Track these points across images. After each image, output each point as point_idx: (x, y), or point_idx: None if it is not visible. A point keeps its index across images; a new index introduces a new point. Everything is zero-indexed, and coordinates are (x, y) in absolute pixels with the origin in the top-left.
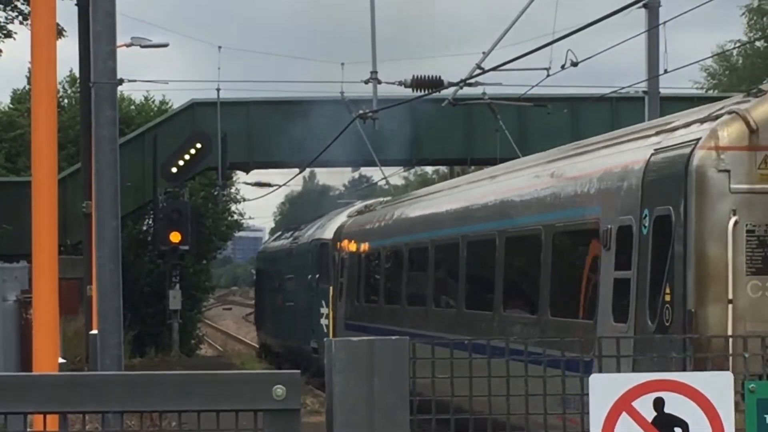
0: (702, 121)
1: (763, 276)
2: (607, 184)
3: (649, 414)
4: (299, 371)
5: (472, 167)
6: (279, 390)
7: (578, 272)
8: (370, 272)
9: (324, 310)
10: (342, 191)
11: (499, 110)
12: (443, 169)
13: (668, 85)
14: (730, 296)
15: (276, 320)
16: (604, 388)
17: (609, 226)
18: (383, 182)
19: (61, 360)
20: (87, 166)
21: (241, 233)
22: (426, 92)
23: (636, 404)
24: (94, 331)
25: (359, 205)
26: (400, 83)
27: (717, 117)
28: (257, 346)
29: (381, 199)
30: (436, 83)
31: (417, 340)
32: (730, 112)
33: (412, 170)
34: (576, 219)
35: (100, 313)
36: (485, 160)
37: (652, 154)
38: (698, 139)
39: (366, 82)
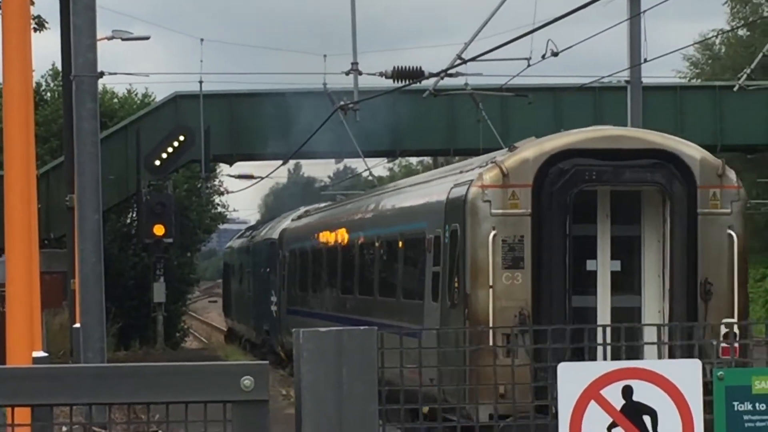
0: (479, 167)
1: (512, 270)
2: (429, 207)
3: (618, 402)
4: (267, 362)
5: (456, 158)
6: (247, 381)
7: (415, 267)
8: (302, 267)
9: (273, 299)
10: (327, 183)
11: (481, 100)
12: (427, 159)
13: (651, 74)
14: (491, 283)
15: (238, 307)
16: (573, 377)
17: (430, 236)
18: (367, 173)
19: (42, 354)
20: (70, 160)
21: (226, 225)
22: (407, 83)
23: (605, 392)
24: (78, 325)
25: (302, 210)
26: (381, 74)
27: (485, 165)
28: (225, 329)
29: (317, 205)
30: (416, 74)
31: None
32: (492, 162)
33: (396, 161)
34: (415, 230)
35: (82, 306)
36: (468, 150)
37: (451, 188)
38: (472, 180)
39: (347, 74)
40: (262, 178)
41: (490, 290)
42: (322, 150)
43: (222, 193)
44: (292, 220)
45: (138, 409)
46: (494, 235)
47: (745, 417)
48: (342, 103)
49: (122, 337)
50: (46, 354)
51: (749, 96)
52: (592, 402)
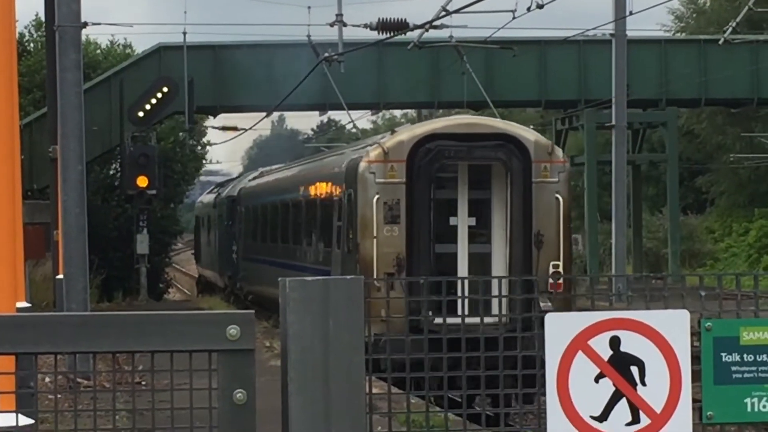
0: (369, 146)
1: (391, 225)
2: (335, 175)
3: (606, 353)
4: (253, 311)
5: (440, 110)
6: (233, 330)
7: (329, 223)
8: (254, 221)
9: (234, 248)
10: (310, 135)
11: (465, 53)
12: (411, 112)
13: (636, 27)
14: (375, 235)
15: (206, 256)
16: (560, 327)
17: (336, 198)
18: (351, 126)
19: (26, 304)
20: (53, 111)
21: (210, 177)
22: (392, 35)
23: (592, 343)
24: (61, 276)
25: (259, 171)
26: (366, 26)
27: (372, 145)
28: (196, 275)
29: (271, 167)
30: (401, 26)
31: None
32: (377, 143)
33: (380, 114)
34: (329, 193)
35: (65, 257)
36: (452, 102)
37: (349, 161)
38: (362, 156)
39: (331, 25)
40: (246, 130)
41: (374, 240)
42: (306, 102)
43: (205, 145)
44: (249, 180)
45: (122, 360)
46: (378, 199)
47: (733, 368)
48: (326, 54)
49: (105, 288)
50: (29, 305)
51: (734, 50)
52: (580, 352)
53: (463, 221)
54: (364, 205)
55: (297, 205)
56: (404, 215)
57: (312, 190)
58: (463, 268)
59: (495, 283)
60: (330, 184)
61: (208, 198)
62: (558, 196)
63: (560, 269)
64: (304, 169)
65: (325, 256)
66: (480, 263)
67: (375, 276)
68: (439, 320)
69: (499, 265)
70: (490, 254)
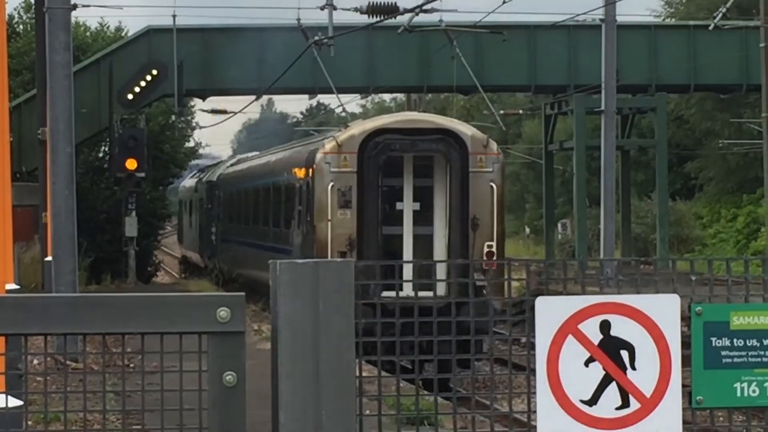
0: (325, 139)
1: (343, 209)
2: (296, 164)
3: (596, 337)
4: (244, 294)
5: (429, 95)
6: (223, 312)
7: (290, 206)
8: (230, 205)
9: (213, 229)
10: (300, 119)
11: (455, 37)
12: (401, 96)
13: (625, 13)
14: (329, 218)
15: (188, 237)
16: (550, 311)
17: (297, 185)
18: (340, 109)
19: (14, 286)
20: (42, 93)
21: (198, 161)
22: (382, 18)
23: (582, 327)
24: (49, 258)
25: (237, 158)
26: (356, 9)
27: (328, 137)
28: (179, 256)
29: (247, 154)
30: (391, 9)
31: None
32: (331, 137)
33: (369, 97)
34: (291, 180)
35: (54, 239)
36: (442, 87)
37: (309, 153)
38: (317, 148)
39: (322, 9)
40: (235, 113)
41: (329, 222)
42: (295, 85)
43: (194, 128)
44: (227, 166)
45: (110, 342)
46: (332, 186)
47: (723, 353)
48: (316, 38)
49: (93, 271)
50: (18, 287)
51: (724, 36)
52: (570, 336)
53: (408, 206)
54: (321, 191)
55: (266, 191)
56: (355, 200)
57: (278, 178)
58: (407, 248)
59: (440, 266)
60: (292, 172)
61: (190, 183)
62: (492, 184)
63: (493, 249)
64: (273, 159)
65: (289, 237)
66: (423, 244)
67: (330, 255)
68: (385, 293)
69: (439, 246)
70: (431, 236)
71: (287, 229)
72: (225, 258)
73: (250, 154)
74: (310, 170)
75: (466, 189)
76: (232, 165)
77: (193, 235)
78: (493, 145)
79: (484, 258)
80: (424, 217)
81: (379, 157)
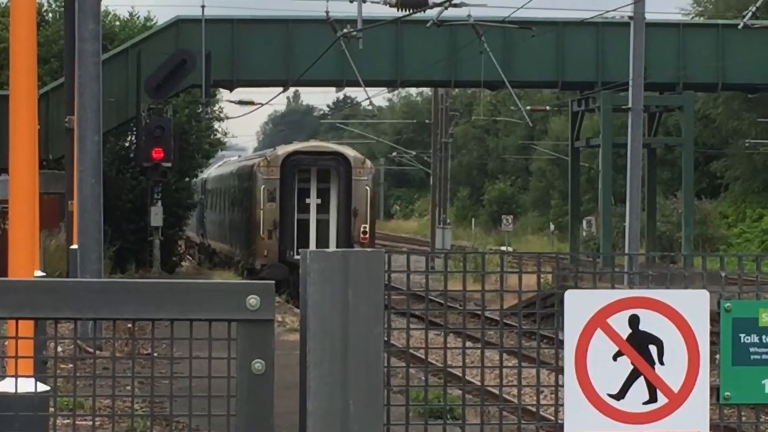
0: (260, 158)
1: (270, 202)
2: (247, 174)
3: (624, 331)
4: (273, 282)
5: (456, 90)
6: (253, 300)
7: (241, 200)
8: (212, 197)
9: (204, 215)
10: (326, 111)
11: (483, 32)
12: (427, 91)
13: (654, 10)
14: (261, 207)
15: (193, 223)
16: (580, 305)
17: (244, 186)
18: (366, 102)
19: (40, 273)
20: (70, 81)
21: (225, 152)
22: (411, 12)
23: (611, 321)
24: (75, 246)
25: (223, 161)
26: (386, 2)
27: (262, 158)
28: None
29: (228, 159)
30: (421, 3)
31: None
32: (264, 157)
33: (396, 91)
34: (241, 183)
35: (80, 227)
36: (469, 82)
37: (250, 165)
38: (256, 163)
39: (351, 1)
40: (262, 105)
41: (261, 210)
42: (322, 78)
43: (221, 119)
44: (215, 168)
45: (136, 330)
46: (264, 187)
47: (752, 349)
48: (345, 31)
49: (118, 260)
50: (44, 274)
51: (753, 35)
52: (599, 330)
53: (313, 201)
54: (256, 190)
55: (230, 189)
56: (278, 197)
57: (235, 180)
58: (312, 230)
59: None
60: (242, 177)
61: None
62: (367, 187)
63: (367, 229)
64: (235, 166)
65: (239, 220)
66: (322, 226)
67: (261, 232)
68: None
69: (333, 228)
70: (328, 221)
71: (238, 214)
72: (209, 235)
73: (232, 158)
74: (250, 176)
75: (350, 190)
76: (219, 167)
77: (195, 221)
78: (368, 163)
79: (361, 234)
80: (323, 208)
81: (294, 169)
